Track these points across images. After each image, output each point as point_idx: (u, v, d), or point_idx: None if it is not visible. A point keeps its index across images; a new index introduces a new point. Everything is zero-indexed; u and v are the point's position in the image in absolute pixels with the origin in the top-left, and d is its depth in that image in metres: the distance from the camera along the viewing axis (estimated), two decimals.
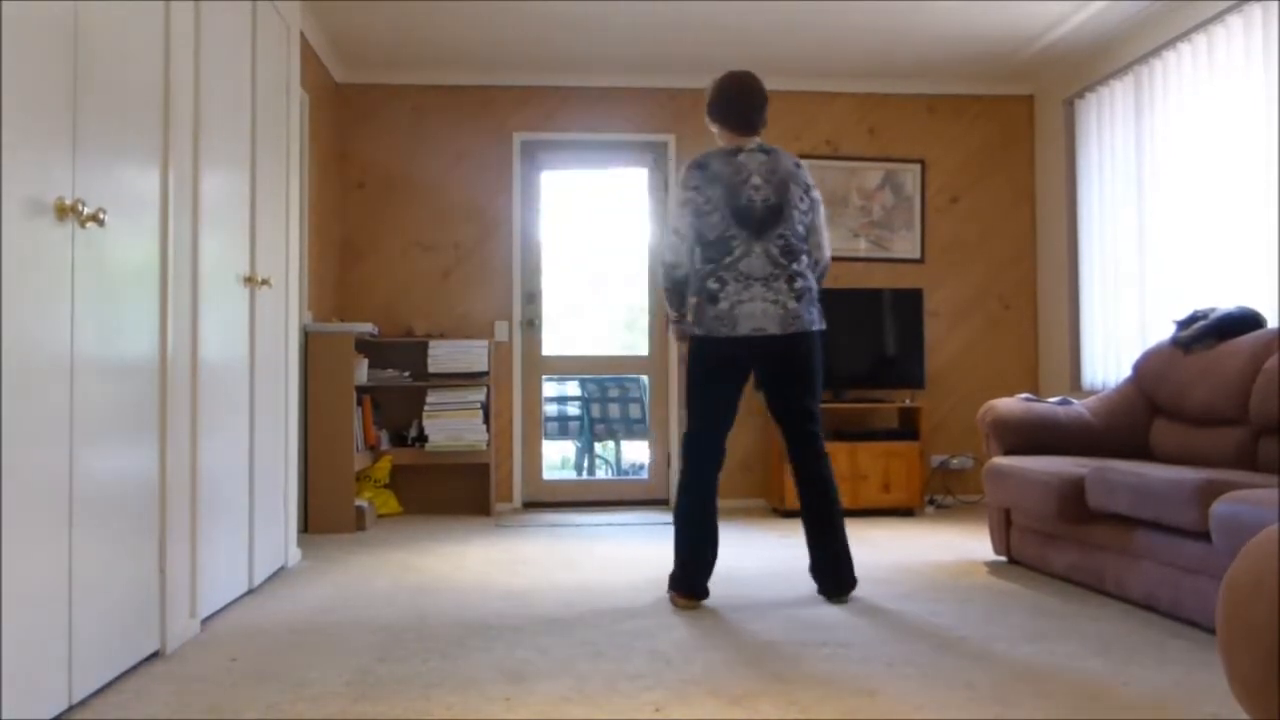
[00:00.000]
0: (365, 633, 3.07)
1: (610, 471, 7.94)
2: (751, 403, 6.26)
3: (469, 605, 3.46)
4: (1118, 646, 2.89)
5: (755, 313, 3.38)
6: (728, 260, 3.42)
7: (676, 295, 3.56)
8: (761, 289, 3.39)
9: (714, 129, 3.62)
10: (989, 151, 6.49)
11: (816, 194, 3.59)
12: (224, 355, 3.33)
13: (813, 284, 3.51)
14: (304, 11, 5.06)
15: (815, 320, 3.47)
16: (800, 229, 3.49)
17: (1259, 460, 3.62)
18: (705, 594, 3.42)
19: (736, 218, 3.43)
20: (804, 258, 3.50)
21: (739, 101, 3.53)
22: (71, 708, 2.30)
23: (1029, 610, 3.35)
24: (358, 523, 5.17)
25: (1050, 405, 4.36)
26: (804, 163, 3.64)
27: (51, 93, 2.18)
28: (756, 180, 3.45)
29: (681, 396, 6.24)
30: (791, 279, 3.42)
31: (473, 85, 6.23)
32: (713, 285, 3.43)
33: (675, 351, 6.26)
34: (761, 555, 4.45)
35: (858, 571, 4.03)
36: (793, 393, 3.50)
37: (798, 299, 3.42)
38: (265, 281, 3.74)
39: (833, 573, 3.49)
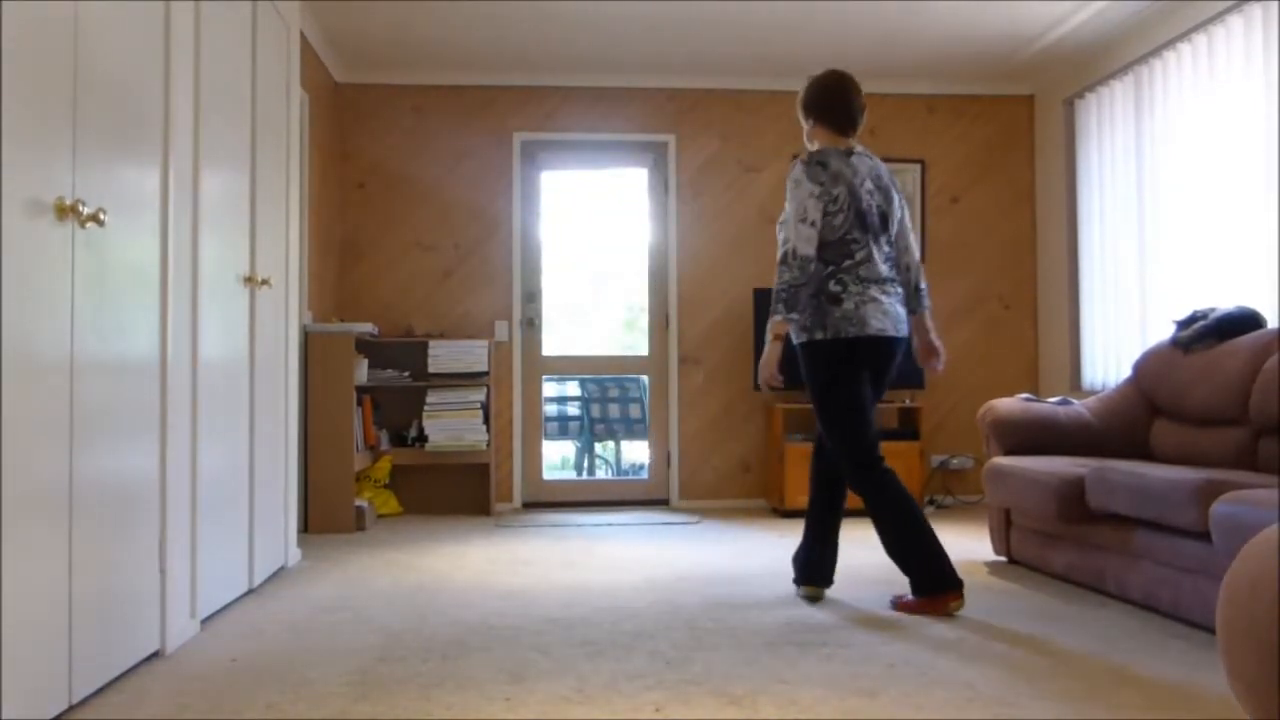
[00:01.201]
0: (365, 633, 3.07)
1: (610, 471, 7.93)
2: (752, 402, 6.26)
3: (469, 605, 3.46)
4: (1118, 646, 2.89)
5: (879, 313, 3.38)
6: (848, 264, 3.39)
7: (803, 291, 3.33)
8: (878, 292, 3.40)
9: (809, 126, 3.57)
10: (989, 151, 6.49)
11: (904, 200, 3.64)
12: (224, 355, 3.33)
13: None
14: (304, 11, 5.06)
15: (907, 325, 3.54)
16: (895, 234, 3.53)
17: (1259, 460, 3.62)
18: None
19: (859, 220, 3.41)
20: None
21: (846, 101, 3.52)
22: (71, 708, 2.30)
23: (1029, 610, 3.35)
24: (358, 523, 5.17)
25: (1050, 405, 4.36)
26: None
27: (51, 93, 2.18)
28: (870, 185, 3.44)
29: (684, 397, 6.25)
30: (895, 284, 3.48)
31: (473, 85, 6.23)
32: (834, 287, 3.38)
33: (675, 351, 6.26)
34: (762, 555, 4.45)
35: (857, 571, 4.04)
36: (879, 395, 3.53)
37: (903, 305, 3.50)
38: (265, 281, 3.74)
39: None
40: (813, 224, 3.35)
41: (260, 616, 3.30)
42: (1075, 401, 4.42)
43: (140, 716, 2.30)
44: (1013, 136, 6.51)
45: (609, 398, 7.61)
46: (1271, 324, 4.14)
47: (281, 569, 4.07)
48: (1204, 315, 4.12)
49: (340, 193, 6.15)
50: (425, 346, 5.89)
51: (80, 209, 2.25)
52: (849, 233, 3.38)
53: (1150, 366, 4.24)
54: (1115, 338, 5.54)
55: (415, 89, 6.21)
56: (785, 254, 3.35)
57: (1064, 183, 6.10)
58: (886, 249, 3.47)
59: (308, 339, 5.14)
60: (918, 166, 6.42)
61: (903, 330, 3.45)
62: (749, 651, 2.83)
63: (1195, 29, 4.84)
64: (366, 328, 5.47)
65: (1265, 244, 4.35)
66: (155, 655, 2.78)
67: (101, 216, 2.32)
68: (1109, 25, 5.38)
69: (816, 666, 2.68)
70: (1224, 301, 4.46)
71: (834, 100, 3.51)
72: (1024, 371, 6.45)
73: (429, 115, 6.22)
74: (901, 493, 3.34)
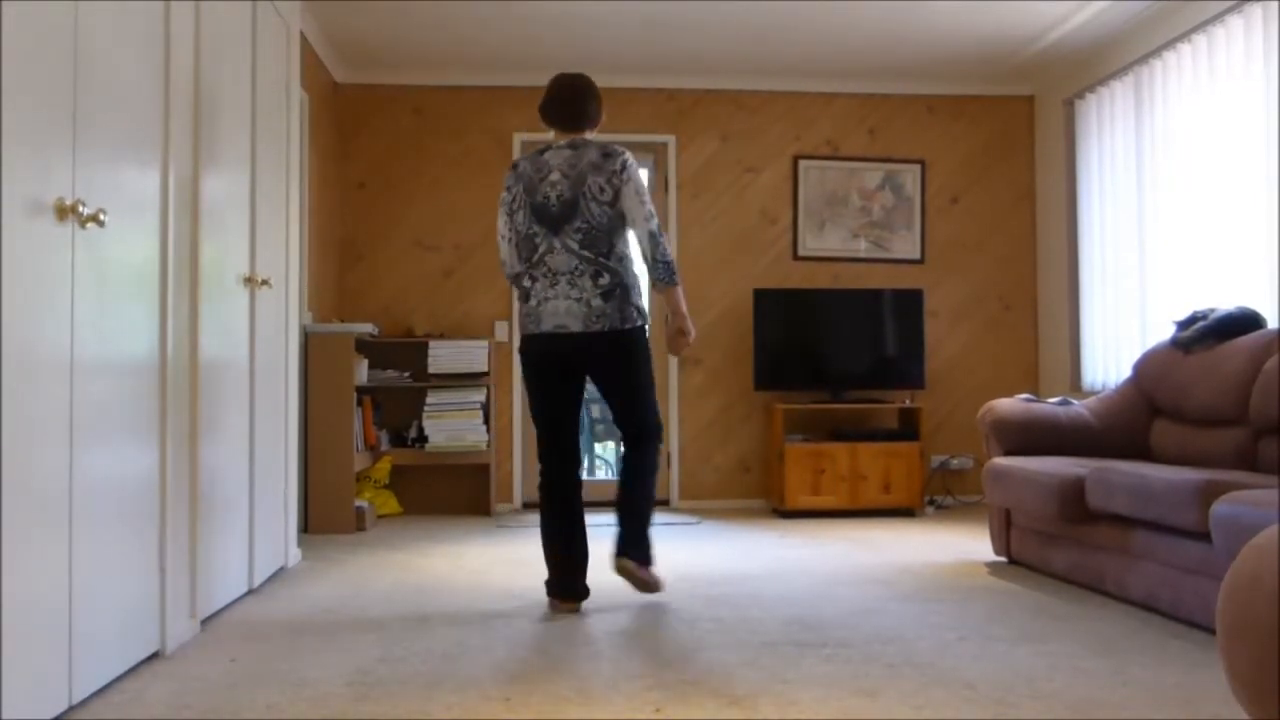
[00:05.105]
0: (366, 633, 3.07)
1: (610, 472, 7.93)
2: (752, 402, 6.26)
3: (469, 605, 3.46)
4: (1118, 646, 2.88)
5: (559, 310, 3.40)
6: (535, 258, 3.45)
7: (518, 291, 3.56)
8: (566, 285, 3.40)
9: None
10: (989, 151, 6.49)
11: (626, 175, 3.42)
12: (224, 355, 3.33)
13: (626, 279, 3.42)
14: (304, 11, 5.06)
15: (626, 318, 3.40)
16: (603, 219, 3.40)
17: (1259, 460, 3.62)
18: (586, 593, 3.48)
19: (536, 215, 3.45)
20: (619, 247, 3.44)
21: (551, 101, 3.57)
22: (71, 708, 2.30)
23: (1029, 610, 3.35)
24: (358, 523, 5.17)
25: (1050, 405, 4.36)
26: (624, 151, 3.47)
27: (51, 93, 2.18)
28: (555, 176, 3.45)
29: (684, 398, 6.25)
30: (597, 275, 3.39)
31: (473, 85, 6.23)
32: (526, 284, 3.48)
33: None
34: (761, 555, 4.45)
35: (860, 572, 4.04)
36: (614, 392, 3.49)
37: (604, 296, 3.38)
38: (265, 281, 3.74)
39: (627, 532, 3.51)
40: (499, 233, 3.58)
41: (260, 616, 3.30)
42: (1075, 402, 4.42)
43: (140, 716, 2.30)
44: (1013, 136, 6.51)
45: None
46: (1271, 324, 4.14)
47: (281, 569, 4.06)
48: (1204, 315, 4.12)
49: (340, 193, 6.15)
50: (425, 347, 5.89)
51: (80, 209, 2.25)
52: (530, 228, 3.46)
53: (1150, 367, 4.24)
54: (1115, 338, 5.54)
55: (415, 89, 6.21)
56: None
57: (1064, 183, 6.10)
58: (578, 236, 3.40)
59: (308, 339, 5.14)
60: (918, 166, 6.42)
61: (596, 325, 3.36)
62: (749, 651, 2.83)
63: (1195, 29, 4.84)
64: (366, 328, 5.47)
65: (1265, 244, 4.35)
66: (155, 655, 2.78)
67: (101, 217, 2.32)
68: (1109, 25, 5.38)
69: (816, 666, 2.68)
70: (1224, 301, 4.46)
71: (546, 103, 3.59)
72: (1024, 371, 6.45)
73: (429, 115, 6.22)
74: (557, 501, 3.51)
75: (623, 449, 3.60)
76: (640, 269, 3.52)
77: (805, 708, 2.34)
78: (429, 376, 5.82)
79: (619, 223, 3.44)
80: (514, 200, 3.52)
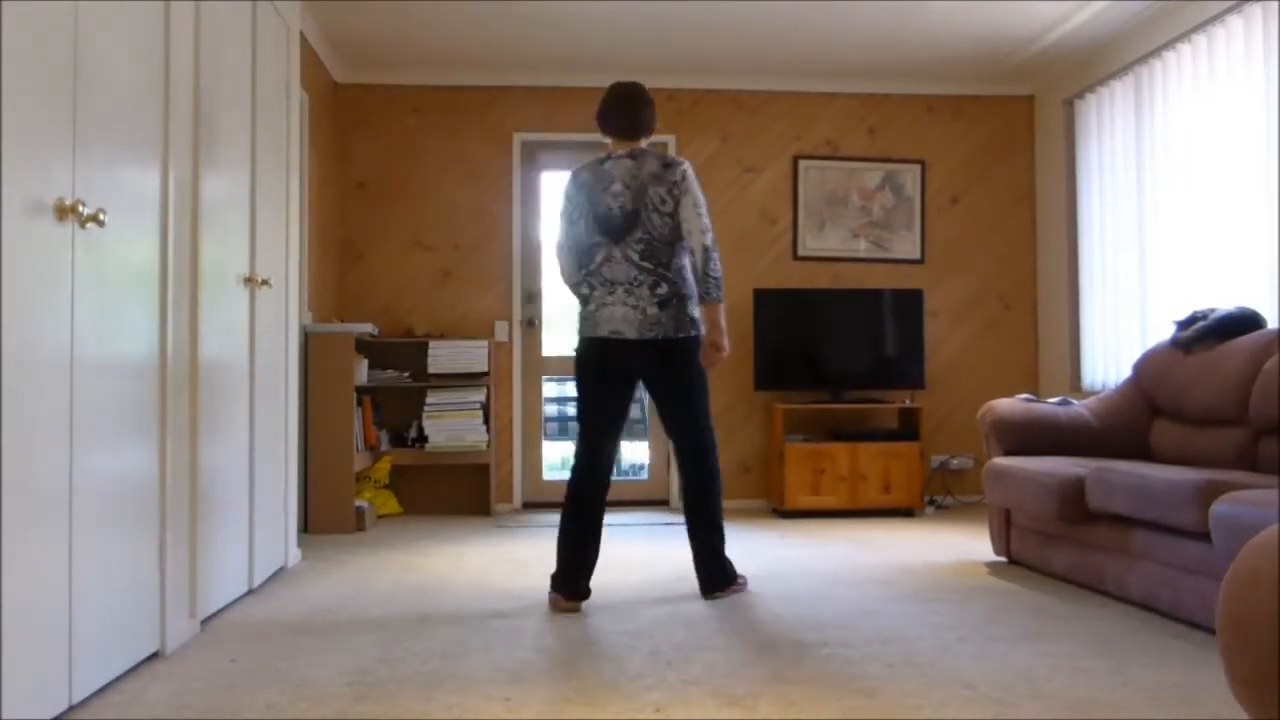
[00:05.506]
0: (365, 633, 3.07)
1: (617, 472, 7.93)
2: (752, 402, 6.26)
3: (469, 605, 3.46)
4: (1118, 646, 2.89)
5: (616, 316, 3.47)
6: (593, 266, 3.52)
7: (578, 298, 3.63)
8: (624, 294, 3.47)
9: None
10: (989, 151, 6.49)
11: (685, 184, 3.48)
12: (224, 355, 3.33)
13: (683, 289, 3.50)
14: (304, 11, 5.06)
15: (681, 328, 3.48)
16: (664, 230, 3.47)
17: (1259, 460, 3.62)
18: (587, 594, 3.46)
19: (598, 225, 3.51)
20: (678, 258, 3.50)
21: (610, 109, 3.60)
22: (71, 708, 2.30)
23: (1029, 610, 3.35)
24: (358, 523, 5.17)
25: (1050, 405, 4.36)
26: (683, 161, 3.53)
27: (51, 93, 2.18)
28: (617, 187, 3.50)
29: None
30: (655, 285, 3.46)
31: (473, 85, 6.23)
32: (584, 290, 3.56)
33: None
34: (761, 555, 4.45)
35: (860, 572, 4.04)
36: (666, 400, 3.54)
37: (660, 305, 3.46)
38: (265, 281, 3.74)
39: (704, 569, 3.59)
40: (561, 245, 3.62)
41: (260, 616, 3.30)
42: (1075, 402, 4.42)
43: (140, 716, 2.30)
44: (1013, 136, 6.51)
45: None
46: (1271, 324, 4.14)
47: (281, 569, 4.06)
48: (1204, 315, 4.12)
49: (340, 193, 6.15)
50: (425, 346, 5.89)
51: (80, 209, 2.25)
52: (591, 237, 3.53)
53: (1150, 367, 4.24)
54: (1115, 338, 5.54)
55: (415, 89, 6.22)
56: None
57: (1064, 183, 6.10)
58: (639, 247, 3.47)
59: (308, 339, 5.14)
60: (918, 166, 6.42)
61: (650, 333, 3.45)
62: (749, 651, 2.83)
63: (1195, 29, 4.84)
64: (366, 328, 5.47)
65: (1265, 244, 4.35)
66: (155, 655, 2.78)
67: (101, 217, 2.32)
68: (1109, 25, 5.38)
69: (816, 666, 2.68)
70: (1224, 301, 4.46)
71: (603, 112, 3.62)
72: (1024, 371, 6.45)
73: (429, 115, 6.22)
74: (570, 507, 3.48)
75: (680, 471, 3.61)
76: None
77: (805, 708, 2.34)
78: (429, 376, 5.82)
79: (679, 233, 3.50)
80: (575, 210, 3.57)
